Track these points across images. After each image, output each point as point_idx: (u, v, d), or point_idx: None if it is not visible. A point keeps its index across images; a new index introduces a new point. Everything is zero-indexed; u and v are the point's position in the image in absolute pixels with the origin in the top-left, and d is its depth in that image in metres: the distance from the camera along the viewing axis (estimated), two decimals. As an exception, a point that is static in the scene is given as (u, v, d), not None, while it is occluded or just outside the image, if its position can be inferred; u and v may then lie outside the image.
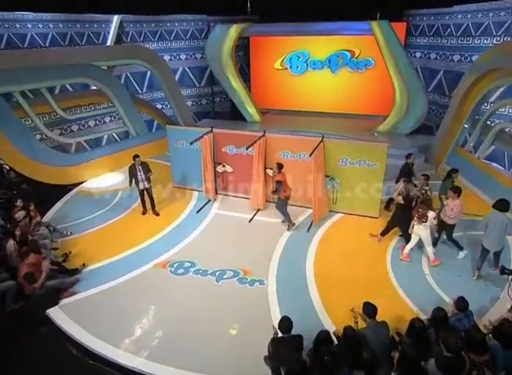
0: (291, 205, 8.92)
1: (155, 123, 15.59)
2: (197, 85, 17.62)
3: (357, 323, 4.95)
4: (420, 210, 6.84)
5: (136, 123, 13.49)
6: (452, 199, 6.86)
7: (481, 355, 3.88)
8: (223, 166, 9.96)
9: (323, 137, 8.68)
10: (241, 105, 16.21)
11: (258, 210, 9.33)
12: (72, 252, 7.61)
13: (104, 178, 11.51)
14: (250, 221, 8.90)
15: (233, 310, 6.07)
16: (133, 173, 8.91)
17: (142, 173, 8.87)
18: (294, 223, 8.49)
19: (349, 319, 5.01)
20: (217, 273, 6.91)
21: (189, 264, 7.19)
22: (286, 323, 4.56)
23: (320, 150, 8.49)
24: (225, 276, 6.83)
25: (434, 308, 4.77)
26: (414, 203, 7.05)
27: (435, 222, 6.85)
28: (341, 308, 5.76)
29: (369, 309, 4.71)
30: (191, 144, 9.04)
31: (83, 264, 7.21)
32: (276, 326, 4.67)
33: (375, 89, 15.67)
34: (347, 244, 7.79)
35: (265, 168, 9.29)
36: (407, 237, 7.26)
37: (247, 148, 8.59)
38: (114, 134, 14.10)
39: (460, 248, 7.26)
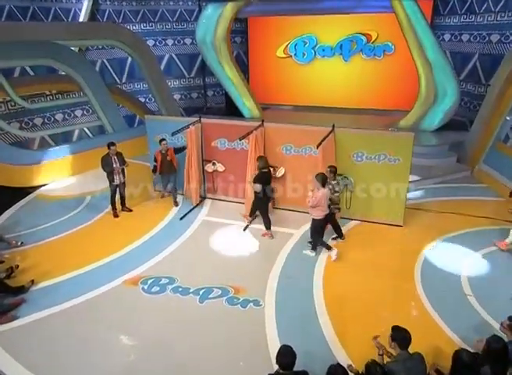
0: (292, 210, 8.51)
1: (137, 118, 15.16)
2: (187, 76, 17.31)
3: (382, 355, 4.29)
4: None
5: (113, 116, 13.11)
6: (317, 189, 6.93)
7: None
8: (213, 164, 9.54)
9: (334, 127, 8.24)
10: (238, 98, 15.81)
11: (255, 217, 8.83)
12: (21, 266, 7.10)
13: (72, 180, 11.26)
14: (244, 229, 8.50)
15: (220, 337, 5.57)
16: (108, 164, 8.67)
17: (118, 164, 8.74)
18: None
19: (371, 352, 4.43)
20: (201, 292, 6.47)
21: (167, 280, 6.78)
22: (286, 355, 3.92)
23: (330, 142, 8.02)
24: (211, 296, 6.37)
25: (488, 337, 4.07)
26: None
27: None
28: (359, 337, 5.27)
29: (400, 336, 4.06)
30: (173, 135, 8.59)
31: (32, 281, 6.66)
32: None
33: (396, 79, 15.30)
34: (365, 259, 7.34)
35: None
36: (266, 220, 8.03)
37: (240, 139, 8.09)
38: (85, 129, 13.69)
39: (314, 248, 7.39)
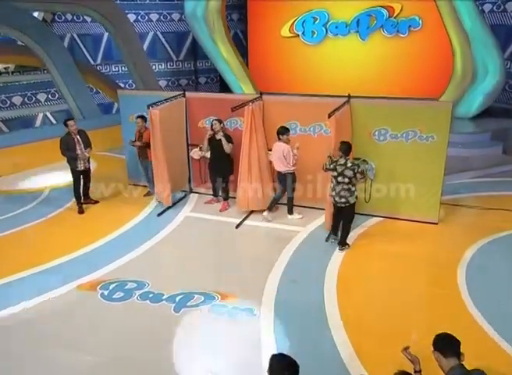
0: (298, 205, 8.36)
1: (115, 106, 15.01)
2: (175, 58, 17.13)
3: (420, 372, 3.65)
4: None
5: (83, 100, 12.98)
6: None
7: None
8: (201, 149, 9.09)
9: (349, 96, 7.85)
10: (235, 83, 15.59)
11: (252, 212, 8.49)
12: None
13: (28, 173, 11.09)
14: (237, 227, 8.17)
15: (200, 357, 5.04)
16: (70, 148, 8.35)
17: (82, 146, 8.46)
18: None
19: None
20: (177, 298, 6.04)
21: (134, 285, 6.39)
22: (283, 368, 3.17)
23: (345, 117, 7.57)
24: (189, 303, 5.94)
25: None
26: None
27: None
28: (386, 355, 4.76)
29: (443, 341, 3.41)
30: (149, 107, 7.98)
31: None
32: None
33: (424, 60, 14.80)
34: (391, 262, 6.95)
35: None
36: (225, 190, 8.67)
37: (233, 110, 7.71)
38: (48, 114, 13.51)
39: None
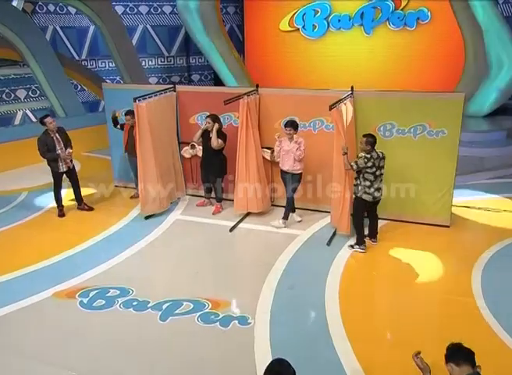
0: (298, 208, 8.36)
1: (102, 104, 14.88)
2: (166, 54, 17.21)
3: None
4: None
5: (66, 97, 12.97)
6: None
7: None
8: (192, 147, 9.12)
9: (353, 89, 7.78)
10: (231, 80, 15.55)
11: (247, 214, 8.48)
12: None
13: (6, 175, 11.17)
14: (231, 230, 8.11)
15: (188, 366, 4.95)
16: (49, 148, 8.25)
17: (62, 144, 8.36)
18: None
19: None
20: (164, 306, 5.93)
21: (117, 292, 6.29)
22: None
23: (348, 110, 7.48)
24: (178, 311, 5.83)
25: None
26: None
27: None
28: (394, 366, 4.72)
29: (453, 351, 3.40)
30: (135, 100, 7.90)
31: None
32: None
33: (433, 54, 14.95)
34: (398, 266, 6.95)
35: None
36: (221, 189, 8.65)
37: (225, 103, 7.64)
38: (28, 112, 13.50)
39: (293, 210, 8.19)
